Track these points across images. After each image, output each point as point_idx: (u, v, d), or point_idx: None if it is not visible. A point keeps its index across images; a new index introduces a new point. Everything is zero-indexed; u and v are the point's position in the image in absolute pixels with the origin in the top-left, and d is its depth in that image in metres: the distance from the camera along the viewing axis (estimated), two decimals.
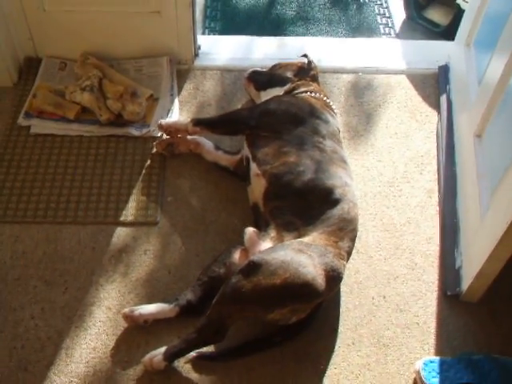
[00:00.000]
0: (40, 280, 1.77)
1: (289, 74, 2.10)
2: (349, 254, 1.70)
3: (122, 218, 1.90)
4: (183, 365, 1.62)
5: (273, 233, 1.70)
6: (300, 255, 1.55)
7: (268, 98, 2.05)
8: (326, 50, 2.43)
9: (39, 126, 2.10)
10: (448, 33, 2.53)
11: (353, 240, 1.72)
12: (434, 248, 1.89)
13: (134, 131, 2.09)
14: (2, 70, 2.18)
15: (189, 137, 2.02)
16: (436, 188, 2.03)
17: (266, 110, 1.93)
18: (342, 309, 1.75)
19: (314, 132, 1.85)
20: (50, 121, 2.11)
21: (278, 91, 2.07)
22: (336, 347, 1.68)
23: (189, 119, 2.01)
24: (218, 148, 2.02)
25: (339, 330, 1.71)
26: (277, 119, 1.88)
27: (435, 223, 1.95)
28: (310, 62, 2.11)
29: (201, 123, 1.99)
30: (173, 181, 2.01)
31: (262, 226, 1.75)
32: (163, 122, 2.02)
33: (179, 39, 2.25)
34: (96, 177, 1.99)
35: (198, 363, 1.62)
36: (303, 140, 1.83)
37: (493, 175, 1.68)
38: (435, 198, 2.01)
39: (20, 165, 2.01)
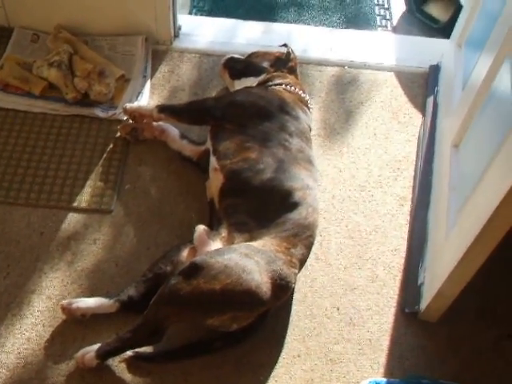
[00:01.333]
0: None
1: (265, 64, 1.99)
2: (302, 261, 1.61)
3: (75, 204, 1.82)
4: (118, 364, 1.56)
5: (224, 232, 1.61)
6: (246, 260, 1.46)
7: (240, 87, 1.96)
8: (313, 39, 2.31)
9: (2, 100, 2.02)
10: (447, 30, 2.37)
11: (308, 247, 1.62)
12: (398, 260, 1.79)
13: (100, 113, 2.00)
14: None
15: (154, 123, 1.93)
16: (410, 196, 1.92)
17: (233, 102, 1.83)
18: (293, 318, 1.67)
19: (281, 128, 1.75)
20: (14, 95, 2.02)
21: (252, 81, 1.96)
22: (280, 358, 1.60)
23: (154, 105, 1.92)
24: (183, 137, 1.92)
25: (286, 340, 1.63)
26: (243, 112, 1.79)
27: (403, 234, 1.84)
28: (288, 53, 1.99)
29: (166, 110, 1.89)
30: (134, 168, 1.93)
31: (214, 224, 1.67)
32: (128, 106, 1.93)
33: (157, 18, 2.14)
34: (54, 158, 1.91)
35: (134, 363, 1.56)
36: (268, 136, 1.73)
37: (462, 190, 1.57)
38: (407, 207, 1.90)
39: None
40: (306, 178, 1.69)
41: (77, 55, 2.08)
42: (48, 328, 1.61)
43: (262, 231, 1.58)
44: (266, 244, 1.54)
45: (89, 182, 1.87)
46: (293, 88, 1.90)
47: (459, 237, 1.47)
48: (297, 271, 1.57)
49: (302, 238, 1.59)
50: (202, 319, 1.49)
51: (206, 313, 1.47)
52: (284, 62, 1.99)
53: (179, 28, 2.27)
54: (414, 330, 1.66)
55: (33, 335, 1.59)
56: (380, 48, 2.31)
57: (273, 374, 1.58)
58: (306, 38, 2.32)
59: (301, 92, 1.91)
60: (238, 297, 1.45)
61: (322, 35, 2.36)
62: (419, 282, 1.71)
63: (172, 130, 1.93)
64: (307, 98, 1.93)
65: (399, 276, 1.76)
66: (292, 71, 1.99)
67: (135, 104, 1.98)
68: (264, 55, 2.03)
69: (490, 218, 1.28)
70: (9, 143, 1.94)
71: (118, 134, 1.97)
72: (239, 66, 2.03)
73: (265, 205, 1.63)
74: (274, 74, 1.95)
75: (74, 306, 1.59)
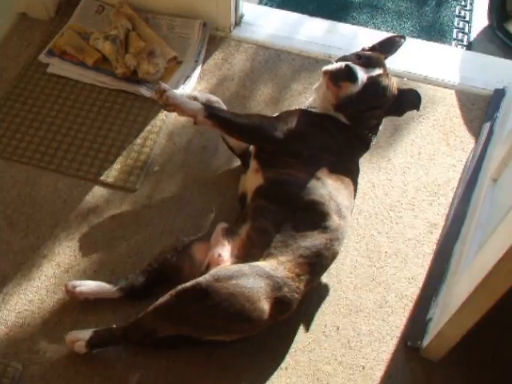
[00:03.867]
0: (5, 220, 1.78)
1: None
2: (306, 286, 1.53)
3: (102, 178, 1.85)
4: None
5: (243, 234, 1.56)
6: (252, 287, 1.43)
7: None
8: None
9: (57, 67, 2.08)
10: None
11: (318, 274, 1.59)
12: (413, 290, 1.70)
13: (145, 91, 2.02)
14: (38, 2, 2.17)
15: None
16: (441, 224, 1.82)
17: (291, 133, 1.63)
18: (289, 328, 1.63)
19: (327, 150, 1.64)
20: (69, 63, 2.08)
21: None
22: (267, 367, 1.57)
23: (202, 106, 1.64)
24: None
25: (277, 350, 1.59)
26: (298, 143, 1.63)
27: (425, 263, 1.75)
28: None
29: (215, 117, 1.63)
30: (166, 151, 1.93)
31: (239, 221, 1.63)
32: (170, 94, 1.62)
33: (219, 4, 2.11)
34: (93, 130, 1.95)
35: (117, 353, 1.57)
36: (315, 157, 1.62)
37: (487, 230, 1.46)
38: (436, 235, 1.80)
39: (26, 101, 2.01)
40: (345, 210, 1.60)
41: (134, 32, 2.11)
42: (51, 294, 1.65)
43: (279, 247, 1.52)
44: (279, 268, 1.49)
45: (120, 159, 1.89)
46: None
47: (468, 279, 1.38)
48: (299, 297, 1.52)
49: (317, 267, 1.54)
50: (198, 337, 1.52)
51: (202, 334, 1.51)
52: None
53: (241, 16, 2.24)
54: (413, 365, 1.58)
55: (35, 298, 1.65)
56: (445, 63, 2.18)
57: (255, 379, 1.55)
58: (369, 43, 2.21)
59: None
60: (237, 325, 1.46)
61: None
62: (428, 316, 1.62)
63: None
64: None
65: (410, 306, 1.67)
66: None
67: (180, 96, 1.64)
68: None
69: (495, 264, 1.18)
70: (53, 109, 1.99)
71: (154, 95, 1.71)
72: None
73: (293, 219, 1.55)
74: None
75: (78, 290, 1.62)
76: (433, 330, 1.54)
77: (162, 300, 1.46)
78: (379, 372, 1.57)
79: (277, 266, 1.49)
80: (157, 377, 1.54)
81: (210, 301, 1.41)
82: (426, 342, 1.56)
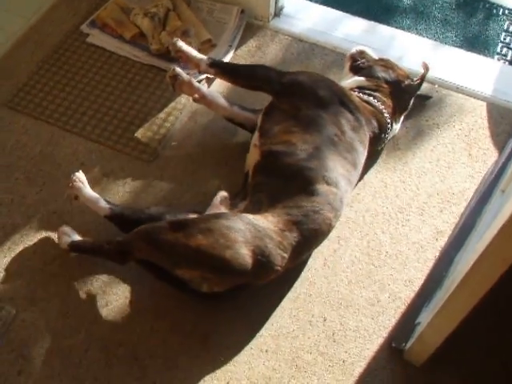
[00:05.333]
0: (24, 174, 1.86)
1: (382, 75, 1.89)
2: (295, 249, 1.54)
3: (120, 146, 1.91)
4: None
5: (241, 207, 1.62)
6: (231, 229, 1.47)
7: (348, 82, 1.90)
8: (414, 49, 2.19)
9: (96, 38, 2.16)
10: None
11: (307, 238, 1.56)
12: (408, 293, 1.68)
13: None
14: None
15: (197, 85, 1.85)
16: (449, 233, 1.78)
17: (295, 80, 1.76)
18: (276, 312, 1.64)
19: (336, 124, 1.69)
20: (108, 35, 2.16)
21: (357, 82, 1.89)
22: (248, 347, 1.58)
23: (206, 56, 1.84)
24: (232, 103, 1.87)
25: (260, 332, 1.60)
26: (301, 94, 1.73)
27: (425, 268, 1.72)
28: (409, 86, 1.91)
29: (217, 66, 1.82)
30: (186, 128, 1.98)
31: (239, 198, 1.68)
32: (180, 43, 1.87)
33: None
34: (120, 100, 2.02)
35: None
36: (318, 126, 1.67)
37: (482, 238, 1.43)
38: (441, 243, 1.76)
39: (63, 67, 2.10)
40: (339, 177, 1.63)
41: (174, 12, 2.16)
42: (54, 249, 1.71)
43: (268, 210, 1.57)
44: (262, 219, 1.53)
45: (140, 130, 1.95)
46: (378, 104, 1.82)
47: (450, 285, 1.35)
48: (286, 255, 1.52)
49: (303, 228, 1.54)
50: (171, 268, 1.53)
51: (175, 263, 1.51)
52: (400, 89, 1.89)
53: (281, 8, 2.27)
54: (394, 367, 1.55)
55: (39, 251, 1.71)
56: (481, 74, 2.14)
57: (235, 358, 1.56)
58: (406, 46, 2.21)
59: (386, 113, 1.82)
60: (208, 259, 1.46)
61: (425, 47, 2.23)
62: (417, 320, 1.59)
63: (216, 96, 1.86)
64: (388, 121, 1.82)
65: (402, 309, 1.65)
66: (400, 99, 1.89)
67: (189, 47, 1.88)
68: (390, 67, 1.92)
69: (467, 272, 1.16)
70: (87, 76, 2.07)
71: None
72: (362, 63, 1.94)
73: (284, 187, 1.60)
74: (379, 88, 1.86)
75: (77, 185, 1.70)
76: (417, 333, 1.51)
77: (148, 225, 1.54)
78: (359, 368, 1.55)
79: (260, 218, 1.53)
80: (139, 340, 1.57)
81: (187, 232, 1.47)
82: (409, 345, 1.53)
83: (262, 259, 1.48)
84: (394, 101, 1.87)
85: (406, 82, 1.91)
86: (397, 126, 1.91)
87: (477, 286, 1.19)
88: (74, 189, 1.70)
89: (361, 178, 1.82)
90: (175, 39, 1.88)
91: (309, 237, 1.57)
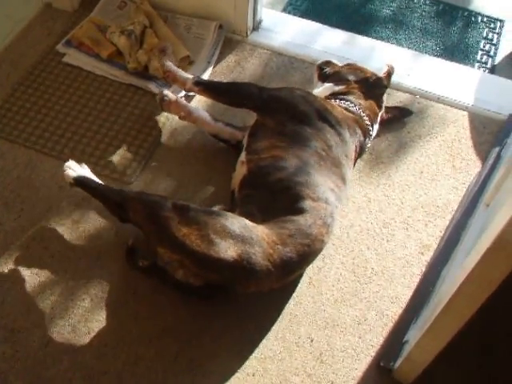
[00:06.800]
0: (1, 200, 1.82)
1: (350, 77, 1.92)
2: (285, 264, 1.52)
3: (99, 168, 1.87)
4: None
5: None
6: (225, 228, 1.49)
7: (319, 90, 1.92)
8: (394, 60, 2.16)
9: (72, 57, 2.13)
10: None
11: (301, 255, 1.54)
12: (395, 310, 1.66)
13: (154, 88, 2.04)
14: None
15: (183, 102, 1.91)
16: (434, 247, 1.77)
17: (276, 96, 1.78)
18: (262, 334, 1.61)
19: (321, 138, 1.69)
20: (84, 54, 2.12)
21: (329, 89, 1.91)
22: (233, 369, 1.55)
23: (191, 76, 1.88)
24: (217, 120, 1.90)
25: (246, 354, 1.57)
26: (283, 110, 1.75)
27: (412, 284, 1.70)
28: (379, 79, 1.93)
29: (202, 84, 1.86)
30: (166, 148, 1.95)
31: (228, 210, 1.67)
32: (168, 63, 1.91)
33: (236, 8, 2.13)
34: (98, 121, 1.98)
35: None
36: (305, 141, 1.68)
37: (468, 254, 1.41)
38: (427, 257, 1.75)
39: (39, 88, 2.06)
40: (327, 191, 1.62)
41: (151, 29, 2.14)
42: (34, 276, 1.67)
43: (262, 222, 1.56)
44: (257, 229, 1.52)
45: (119, 151, 1.92)
46: (356, 109, 1.83)
47: (436, 304, 1.33)
48: (272, 270, 1.50)
49: (297, 243, 1.53)
50: (155, 242, 1.54)
51: (160, 240, 1.52)
52: (370, 85, 1.91)
53: (259, 22, 2.25)
54: None
55: (19, 278, 1.67)
56: (462, 83, 2.13)
57: (220, 380, 1.54)
58: (386, 57, 2.19)
59: (364, 116, 1.83)
60: (191, 249, 1.47)
61: (405, 58, 2.22)
62: (405, 338, 1.57)
63: (202, 112, 1.90)
64: (368, 124, 1.83)
65: (389, 326, 1.63)
66: (372, 96, 1.90)
67: (176, 67, 1.92)
68: (356, 69, 1.96)
69: (453, 294, 1.14)
70: (63, 97, 2.04)
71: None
72: (329, 71, 1.97)
73: (274, 202, 1.60)
74: (350, 89, 1.89)
75: (68, 173, 1.70)
76: (406, 352, 1.50)
77: (153, 194, 1.62)
78: None
79: (256, 227, 1.53)
80: (123, 368, 1.54)
81: (184, 218, 1.49)
82: (398, 364, 1.51)
83: (245, 265, 1.47)
84: (367, 98, 1.89)
85: (374, 77, 1.93)
86: (376, 127, 1.90)
87: (463, 308, 1.17)
88: (67, 177, 1.71)
89: None
90: (164, 61, 1.92)
91: (302, 253, 1.55)
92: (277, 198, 1.60)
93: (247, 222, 1.54)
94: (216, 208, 1.67)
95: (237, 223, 1.51)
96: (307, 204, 1.58)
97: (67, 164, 1.71)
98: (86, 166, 1.75)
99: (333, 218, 1.62)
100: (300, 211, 1.57)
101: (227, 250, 1.46)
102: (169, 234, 1.48)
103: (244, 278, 1.50)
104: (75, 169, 1.71)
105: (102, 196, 1.67)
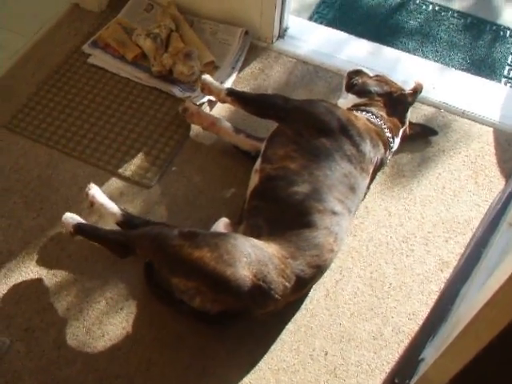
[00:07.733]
0: (22, 198, 1.83)
1: (374, 89, 1.90)
2: (300, 278, 1.52)
3: (120, 170, 1.88)
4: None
5: (240, 232, 1.61)
6: (237, 248, 1.47)
7: (342, 101, 1.92)
8: (419, 72, 2.16)
9: (98, 58, 2.13)
10: None
11: (313, 267, 1.54)
12: (412, 326, 1.64)
13: (177, 91, 2.04)
14: None
15: (206, 113, 1.96)
16: (454, 264, 1.74)
17: (299, 108, 1.78)
18: (276, 345, 1.60)
19: (336, 150, 1.68)
20: (109, 56, 2.13)
21: (351, 101, 1.90)
22: (246, 381, 1.54)
23: (225, 87, 1.92)
24: (238, 131, 1.91)
25: (260, 365, 1.56)
26: (304, 120, 1.74)
27: (429, 301, 1.68)
28: (402, 95, 1.90)
29: (234, 95, 1.88)
30: (187, 153, 1.94)
31: (236, 222, 1.69)
32: (205, 76, 1.93)
33: (262, 15, 2.12)
34: (120, 123, 1.99)
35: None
36: (319, 152, 1.67)
37: (488, 275, 1.39)
38: (446, 274, 1.72)
39: (63, 88, 2.07)
40: (335, 203, 1.60)
41: (177, 33, 2.14)
42: (50, 276, 1.68)
43: (270, 236, 1.56)
44: (266, 245, 1.52)
45: (140, 154, 1.92)
46: (377, 120, 1.81)
47: (455, 324, 1.31)
48: (288, 284, 1.49)
49: (306, 255, 1.52)
50: (168, 275, 1.52)
51: (173, 270, 1.50)
52: (393, 100, 1.88)
53: (285, 29, 2.24)
54: None
55: (35, 277, 1.68)
56: (488, 99, 2.10)
57: None
58: (412, 69, 2.18)
59: (385, 128, 1.81)
60: (208, 272, 1.44)
61: (430, 71, 2.20)
62: (421, 356, 1.55)
63: (225, 123, 1.92)
64: (389, 136, 1.81)
65: (405, 342, 1.61)
66: (394, 111, 1.87)
67: (212, 79, 1.94)
68: (383, 82, 1.93)
69: (473, 317, 1.12)
70: (87, 98, 2.04)
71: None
72: (357, 80, 1.95)
73: (282, 215, 1.59)
74: (373, 102, 1.87)
75: (91, 192, 1.74)
76: (421, 371, 1.47)
77: (158, 227, 1.60)
78: None
79: (264, 243, 1.52)
80: (136, 373, 1.53)
81: (194, 242, 1.47)
82: (413, 381, 1.49)
83: (262, 284, 1.46)
84: (390, 112, 1.87)
85: (398, 93, 1.90)
86: (397, 141, 1.88)
87: (483, 332, 1.15)
88: (89, 196, 1.73)
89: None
90: (203, 76, 1.94)
91: (313, 265, 1.54)
92: (284, 210, 1.60)
93: (255, 240, 1.53)
94: (221, 221, 1.66)
95: (246, 242, 1.50)
96: (315, 217, 1.57)
97: (65, 216, 1.70)
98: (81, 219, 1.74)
99: (340, 226, 1.61)
100: (307, 225, 1.56)
101: (242, 271, 1.44)
102: (182, 262, 1.47)
103: (262, 298, 1.48)
104: (73, 217, 1.70)
105: (105, 239, 1.65)
